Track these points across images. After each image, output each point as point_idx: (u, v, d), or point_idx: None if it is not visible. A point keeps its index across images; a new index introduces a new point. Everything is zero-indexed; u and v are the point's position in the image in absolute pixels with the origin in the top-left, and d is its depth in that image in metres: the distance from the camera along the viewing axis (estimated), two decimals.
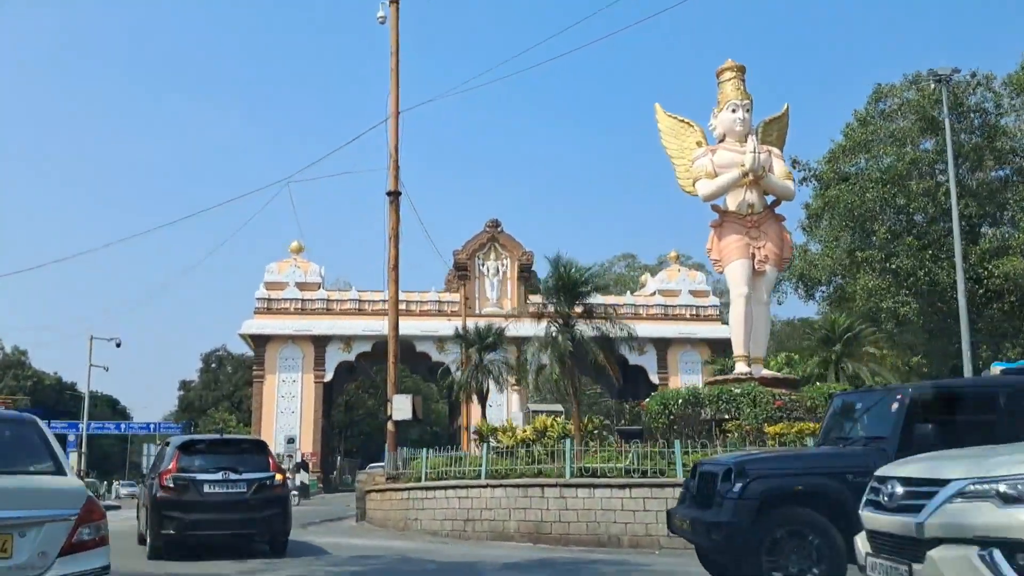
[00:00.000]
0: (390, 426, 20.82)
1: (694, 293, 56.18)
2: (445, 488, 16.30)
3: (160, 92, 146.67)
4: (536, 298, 56.29)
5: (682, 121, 22.87)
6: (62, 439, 63.74)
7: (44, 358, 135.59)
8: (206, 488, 11.64)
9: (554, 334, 29.72)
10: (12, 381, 77.23)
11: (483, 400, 32.27)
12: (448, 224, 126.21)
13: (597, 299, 52.38)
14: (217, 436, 15.36)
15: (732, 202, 21.56)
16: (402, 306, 56.28)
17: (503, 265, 54.89)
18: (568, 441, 15.79)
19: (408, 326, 52.61)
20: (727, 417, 17.69)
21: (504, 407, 52.66)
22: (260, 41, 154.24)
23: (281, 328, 51.17)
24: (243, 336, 51.42)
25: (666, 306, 55.52)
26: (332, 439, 61.40)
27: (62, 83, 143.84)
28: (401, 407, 20.41)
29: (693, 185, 21.96)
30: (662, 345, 54.47)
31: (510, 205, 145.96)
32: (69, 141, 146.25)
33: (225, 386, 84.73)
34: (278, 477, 12.57)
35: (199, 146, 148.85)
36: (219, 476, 11.79)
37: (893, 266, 37.10)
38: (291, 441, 44.26)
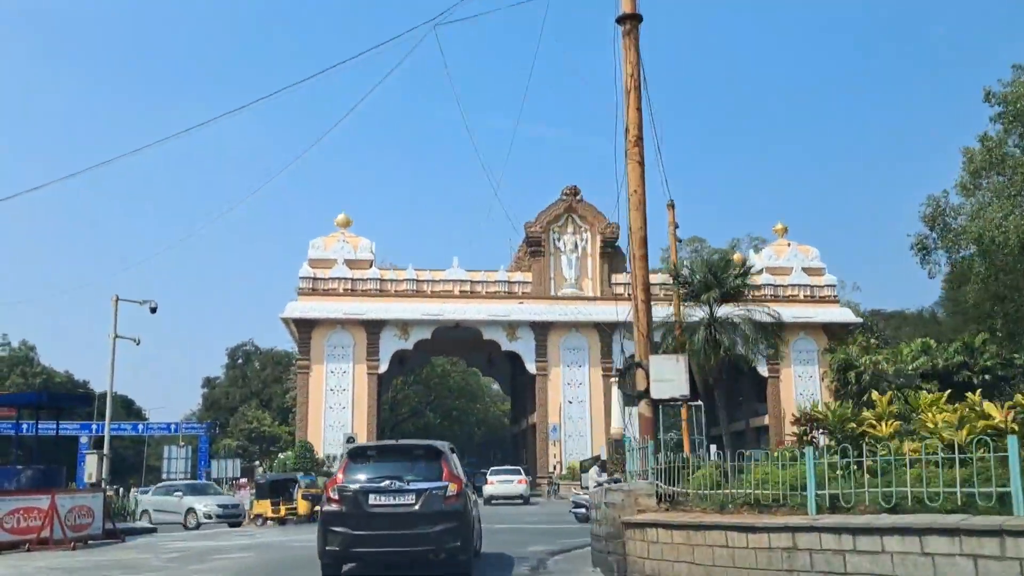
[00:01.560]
0: (644, 410, 12.91)
1: (808, 271, 48.24)
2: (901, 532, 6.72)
3: None
4: (622, 278, 48.93)
5: None
6: (74, 441, 56.50)
7: (54, 354, 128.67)
8: (371, 500, 10.39)
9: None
10: (19, 379, 69.98)
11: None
12: (522, 193, 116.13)
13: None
14: (390, 442, 13.70)
15: None
16: (465, 287, 48.99)
17: (582, 239, 47.20)
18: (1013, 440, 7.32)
19: (473, 310, 45.18)
20: None
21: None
22: None
23: (329, 311, 43.63)
24: (285, 321, 43.87)
25: (775, 286, 47.60)
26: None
27: None
28: (667, 376, 12.54)
29: None
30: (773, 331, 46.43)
31: (589, 169, 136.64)
32: None
33: (254, 383, 77.75)
34: (452, 487, 10.77)
35: None
36: (384, 486, 10.44)
37: None
38: (351, 441, 36.69)
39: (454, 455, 11.70)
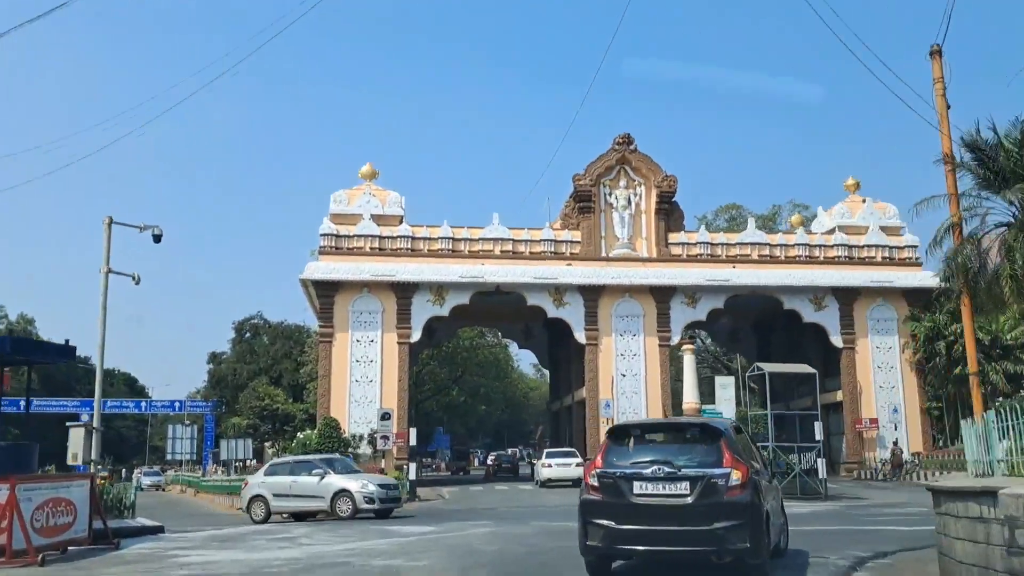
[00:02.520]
0: None
1: (886, 230, 43.16)
2: None
3: None
4: (679, 236, 44.03)
5: None
6: (74, 418, 51.81)
7: (55, 331, 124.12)
8: (635, 488, 8.87)
9: None
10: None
11: None
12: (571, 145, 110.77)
13: (752, 237, 39.87)
14: (660, 419, 13.43)
15: None
16: (507, 247, 43.77)
17: (635, 194, 42.15)
18: None
19: (515, 272, 40.17)
20: None
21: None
22: None
23: (354, 272, 38.69)
24: (304, 283, 38.91)
25: (850, 246, 42.56)
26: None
27: None
28: None
29: None
30: (846, 297, 41.63)
31: (644, 121, 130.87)
32: None
33: (263, 358, 73.12)
34: (735, 475, 8.69)
35: None
36: (651, 472, 8.83)
37: None
38: (386, 417, 31.96)
39: (740, 435, 9.89)
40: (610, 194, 41.92)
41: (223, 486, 37.03)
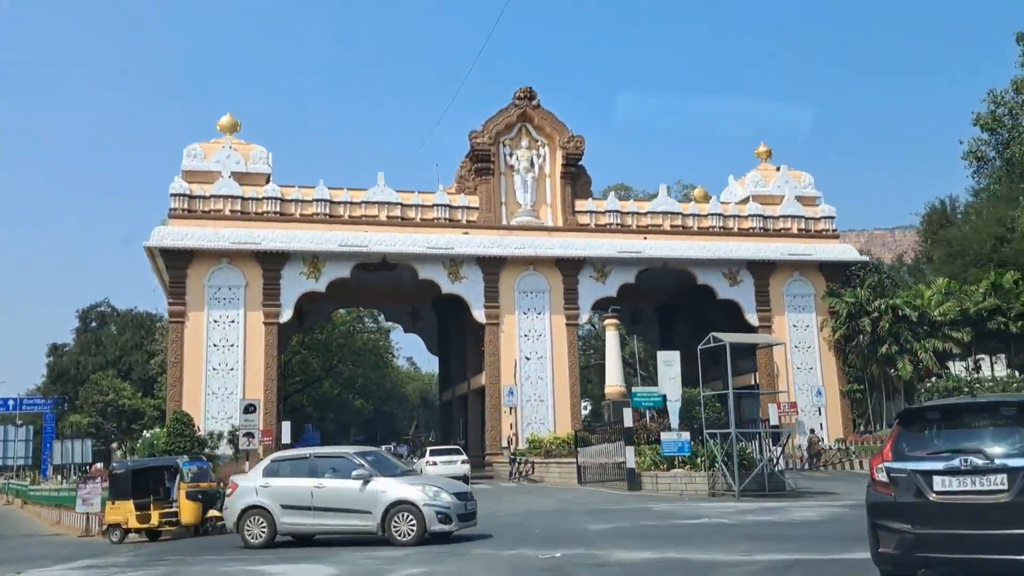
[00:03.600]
0: None
1: (801, 200, 40.21)
2: None
3: None
4: (588, 204, 39.84)
5: None
6: None
7: None
8: (935, 484, 7.39)
9: None
10: None
11: None
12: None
13: (664, 206, 36.06)
14: (964, 399, 10.11)
15: None
16: (395, 212, 38.00)
17: (539, 156, 37.75)
18: None
19: (405, 240, 34.95)
20: None
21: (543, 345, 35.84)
22: None
23: (212, 239, 32.78)
24: (151, 251, 32.61)
25: (765, 217, 39.40)
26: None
27: None
28: None
29: None
30: (761, 271, 38.45)
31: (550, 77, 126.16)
32: None
33: (110, 349, 65.56)
34: None
35: None
36: (955, 464, 7.29)
37: None
38: (250, 410, 26.35)
39: None
40: (511, 155, 37.34)
41: (50, 497, 30.84)
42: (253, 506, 13.77)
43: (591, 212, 37.59)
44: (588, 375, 54.94)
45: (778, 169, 40.99)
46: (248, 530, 13.71)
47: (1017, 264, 40.77)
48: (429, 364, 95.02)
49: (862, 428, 37.76)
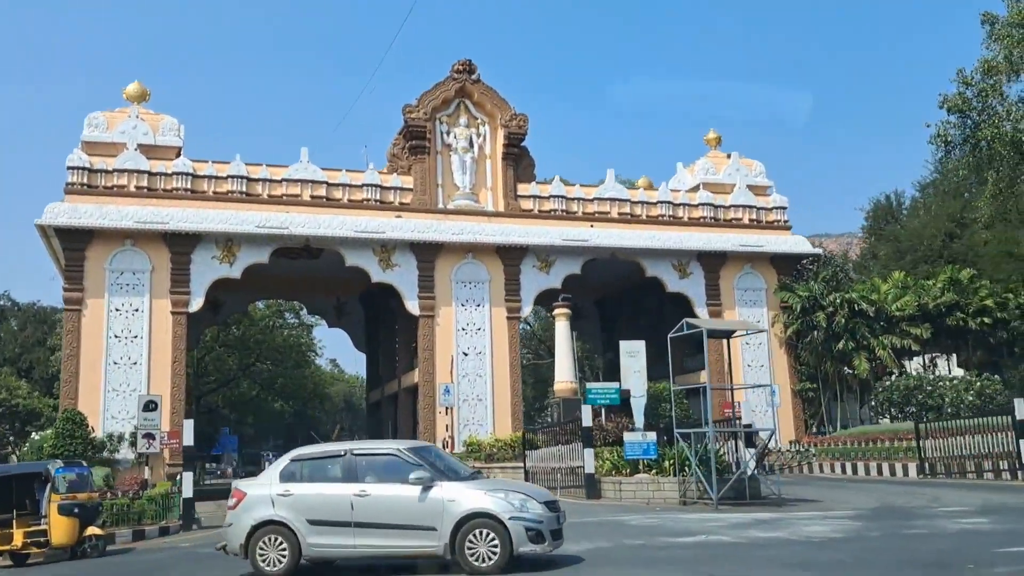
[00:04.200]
0: None
1: (753, 189, 38.36)
2: None
3: None
4: (531, 188, 37.21)
5: None
6: None
7: None
8: None
9: None
10: None
11: None
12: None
13: (612, 192, 33.79)
14: None
15: None
16: (320, 191, 34.28)
17: (479, 135, 35.05)
18: None
19: (331, 222, 31.76)
20: None
21: (483, 340, 33.21)
22: None
23: (114, 218, 29.20)
24: (44, 229, 28.85)
25: (715, 206, 37.42)
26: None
27: None
28: None
29: None
30: (712, 263, 36.44)
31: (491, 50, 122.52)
32: None
33: (9, 346, 60.48)
34: None
35: None
36: None
37: None
38: (151, 407, 22.86)
39: None
40: (448, 132, 34.54)
41: None
42: (269, 521, 10.54)
43: (535, 197, 35.01)
44: (524, 376, 52.41)
45: (729, 156, 39.09)
46: (262, 554, 10.47)
47: (967, 260, 39.69)
48: (354, 366, 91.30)
49: (814, 429, 36.03)
